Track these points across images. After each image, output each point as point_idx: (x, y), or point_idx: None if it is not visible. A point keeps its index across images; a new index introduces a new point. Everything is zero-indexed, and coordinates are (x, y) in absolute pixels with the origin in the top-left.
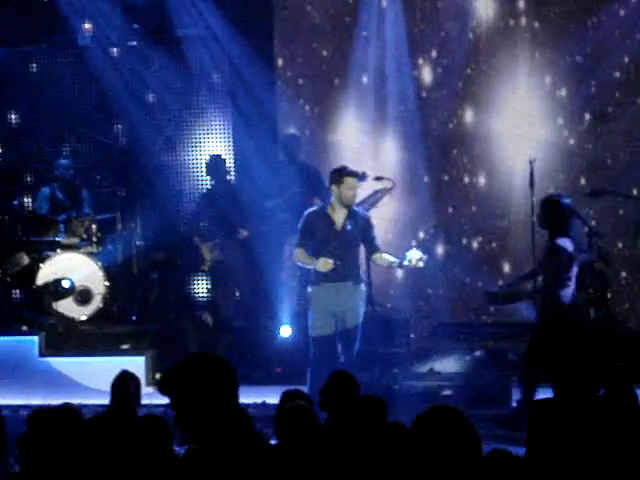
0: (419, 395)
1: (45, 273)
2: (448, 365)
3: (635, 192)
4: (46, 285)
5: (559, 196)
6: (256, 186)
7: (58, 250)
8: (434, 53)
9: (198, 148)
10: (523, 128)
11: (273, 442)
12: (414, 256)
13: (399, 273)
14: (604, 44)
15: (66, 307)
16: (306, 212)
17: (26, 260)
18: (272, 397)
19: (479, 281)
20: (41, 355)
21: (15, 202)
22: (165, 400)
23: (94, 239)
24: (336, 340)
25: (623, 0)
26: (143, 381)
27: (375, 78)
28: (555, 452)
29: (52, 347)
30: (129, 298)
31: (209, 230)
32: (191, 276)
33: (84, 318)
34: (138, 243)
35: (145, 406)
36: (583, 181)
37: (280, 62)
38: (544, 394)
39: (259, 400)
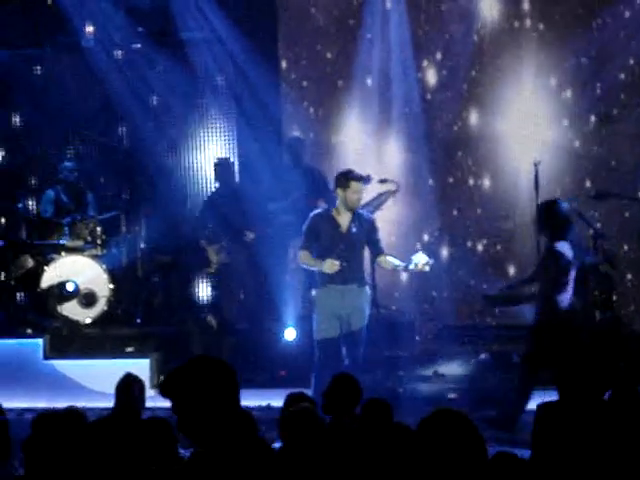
0: (424, 398)
1: (49, 276)
2: (453, 368)
3: None
4: (50, 288)
5: (557, 201)
6: (260, 189)
7: (62, 253)
8: (439, 55)
9: (202, 150)
10: (528, 130)
11: (277, 445)
12: (420, 260)
13: (404, 276)
14: (609, 46)
15: (70, 310)
16: (311, 214)
17: (30, 263)
18: (276, 400)
19: (484, 284)
20: (45, 358)
21: (19, 205)
22: (169, 403)
23: (98, 242)
24: (341, 343)
25: (628, 2)
26: (147, 384)
27: (379, 80)
28: (561, 455)
29: (56, 350)
30: (133, 301)
31: (215, 233)
32: (195, 279)
33: (89, 321)
34: (142, 246)
35: (149, 409)
36: (588, 183)
37: (284, 64)
38: (545, 397)
39: (264, 403)
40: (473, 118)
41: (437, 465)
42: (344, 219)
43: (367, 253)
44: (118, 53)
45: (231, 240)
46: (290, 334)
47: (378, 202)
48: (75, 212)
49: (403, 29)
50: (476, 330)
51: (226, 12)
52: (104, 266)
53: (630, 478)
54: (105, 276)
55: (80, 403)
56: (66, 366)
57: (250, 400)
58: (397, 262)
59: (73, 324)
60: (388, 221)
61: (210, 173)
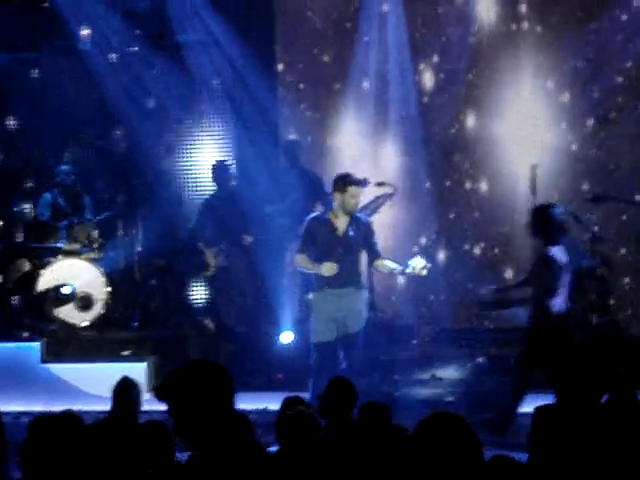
0: (421, 401)
1: (46, 279)
2: (450, 371)
3: (638, 198)
4: (47, 291)
5: (551, 205)
6: (257, 191)
7: (59, 256)
8: (436, 58)
9: (199, 153)
10: (526, 132)
11: (274, 448)
12: (418, 264)
13: (401, 279)
14: (606, 49)
15: (67, 313)
16: (308, 218)
17: (27, 266)
18: (273, 403)
19: (481, 287)
20: (42, 361)
21: (16, 208)
22: (165, 406)
23: (95, 245)
24: (338, 346)
25: (625, 5)
26: (144, 387)
27: (376, 83)
28: (558, 458)
29: (53, 353)
30: (130, 304)
31: (213, 236)
32: (193, 282)
33: (85, 324)
34: (139, 249)
35: (146, 412)
36: (586, 186)
37: (281, 67)
38: (539, 401)
39: (261, 406)
40: (470, 121)
41: (434, 468)
42: (341, 222)
43: (364, 256)
44: (115, 56)
45: (229, 243)
46: (287, 337)
47: (375, 205)
48: (72, 215)
49: (400, 32)
50: (473, 333)
51: (223, 15)
52: (101, 269)
53: None
54: (102, 279)
55: (77, 407)
56: (63, 369)
57: (247, 403)
58: (394, 266)
59: (70, 327)
60: (385, 224)
61: (207, 176)
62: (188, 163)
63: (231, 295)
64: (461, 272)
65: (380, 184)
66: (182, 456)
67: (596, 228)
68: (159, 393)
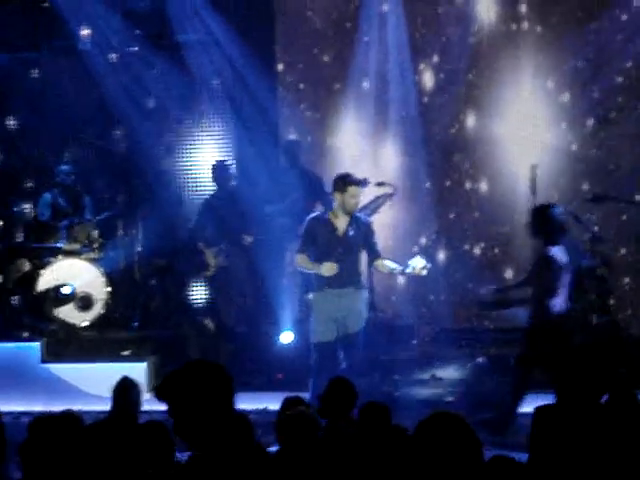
0: (421, 401)
1: (46, 279)
2: (450, 371)
3: (638, 198)
4: (47, 291)
5: (550, 205)
6: (257, 191)
7: (59, 256)
8: (436, 58)
9: (199, 153)
10: (526, 132)
11: (275, 448)
12: (418, 264)
13: (401, 279)
14: (606, 49)
15: (67, 313)
16: (308, 217)
17: (27, 266)
18: (273, 403)
19: (481, 287)
20: (42, 361)
21: (16, 208)
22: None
23: (95, 245)
24: (338, 346)
25: (625, 5)
26: (144, 387)
27: (376, 83)
28: (558, 458)
29: (53, 353)
30: (130, 304)
31: (213, 236)
32: (193, 282)
33: (85, 324)
34: (139, 249)
35: (146, 412)
36: (586, 186)
37: (281, 67)
38: (539, 401)
39: (261, 406)
40: (470, 121)
41: (434, 468)
42: (341, 222)
43: (364, 256)
44: (115, 56)
45: (229, 243)
46: (287, 337)
47: (375, 205)
48: (72, 215)
49: (400, 32)
50: (473, 333)
51: (223, 15)
52: (101, 269)
53: None
54: (102, 279)
55: (77, 407)
56: (63, 369)
57: (247, 403)
58: (394, 266)
59: (70, 327)
60: (385, 224)
61: (207, 176)
62: (188, 163)
63: (231, 295)
64: (461, 272)
65: (380, 184)
66: (182, 456)
67: (596, 228)
68: (159, 393)
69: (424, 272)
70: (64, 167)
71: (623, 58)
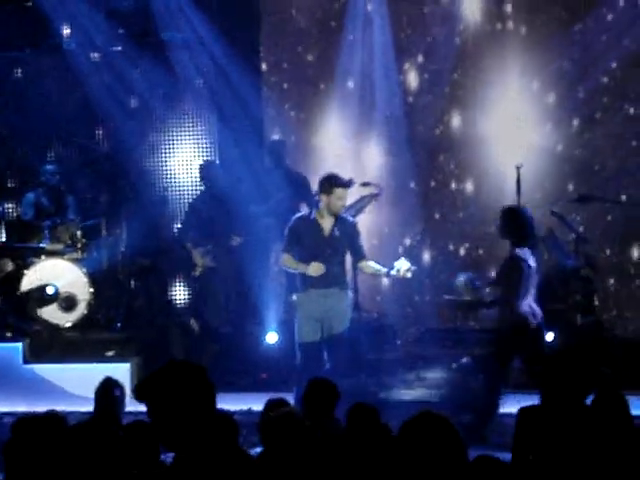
0: (405, 402)
1: (29, 279)
2: (435, 372)
3: (623, 198)
4: (30, 291)
5: (519, 207)
6: (242, 191)
7: (43, 256)
8: (421, 58)
9: (183, 153)
10: (511, 133)
11: (258, 449)
12: (402, 266)
13: (385, 280)
14: (592, 49)
15: (50, 314)
16: (293, 217)
17: (10, 266)
18: (258, 404)
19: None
20: (25, 362)
21: None
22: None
23: (79, 245)
24: (322, 346)
25: (611, 5)
26: (128, 388)
27: (361, 83)
28: (542, 458)
29: (36, 354)
30: (114, 304)
31: (199, 236)
32: (177, 282)
33: (69, 325)
34: (123, 249)
35: (130, 413)
36: (571, 187)
37: (265, 67)
38: (525, 401)
39: (245, 407)
40: (455, 121)
41: (419, 469)
42: (327, 223)
43: (349, 257)
44: (99, 55)
45: (216, 244)
46: (272, 338)
47: (360, 205)
48: (55, 215)
49: (385, 32)
50: (458, 333)
51: (207, 14)
52: (84, 269)
53: None
54: (85, 280)
55: (60, 407)
56: (46, 370)
57: (231, 404)
58: (379, 267)
59: (53, 328)
60: (369, 225)
61: (191, 176)
62: (172, 163)
63: (217, 296)
64: (446, 272)
65: (365, 184)
66: (167, 457)
67: (581, 229)
68: (138, 394)
69: (409, 274)
70: (49, 167)
71: (608, 58)
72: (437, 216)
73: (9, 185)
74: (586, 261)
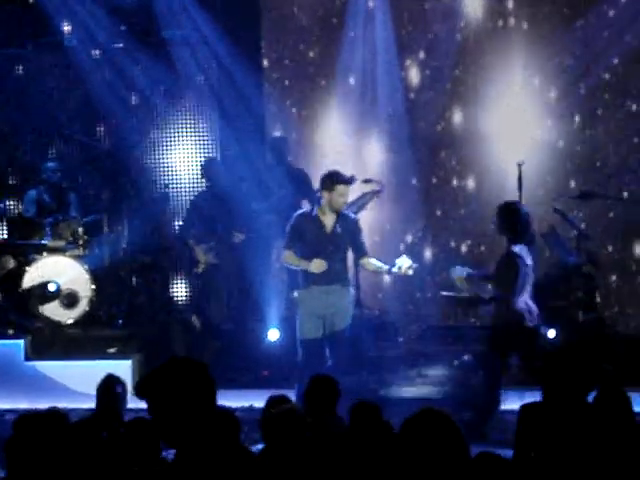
0: (407, 399)
1: (31, 276)
2: (436, 369)
3: (625, 195)
4: (32, 288)
5: (517, 203)
6: (243, 188)
7: (44, 253)
8: (422, 54)
9: (184, 150)
10: (513, 129)
11: (260, 446)
12: (404, 264)
13: (387, 277)
14: (593, 45)
15: (52, 311)
16: (295, 214)
17: (12, 263)
18: (259, 401)
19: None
20: (27, 359)
21: (0, 205)
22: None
23: (80, 242)
24: (324, 343)
25: (612, 1)
26: (130, 385)
27: (363, 80)
28: (543, 455)
29: (38, 351)
30: (116, 301)
31: (202, 233)
32: (178, 279)
33: (70, 322)
34: (125, 246)
35: (132, 410)
36: (573, 183)
37: (267, 63)
38: (527, 398)
39: (246, 404)
40: (457, 118)
41: (421, 466)
42: (329, 220)
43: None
44: (101, 52)
45: (218, 241)
46: (273, 335)
47: (362, 202)
48: (57, 212)
49: (386, 28)
50: (460, 330)
51: (209, 11)
52: (86, 266)
53: (613, 479)
54: (87, 276)
55: (62, 404)
56: (48, 367)
57: (233, 401)
58: (380, 264)
59: (55, 325)
60: (371, 221)
61: (192, 172)
62: (173, 160)
63: (219, 293)
64: (447, 269)
65: (367, 181)
66: (168, 453)
67: (583, 225)
68: (138, 390)
69: (410, 272)
70: (50, 164)
71: (610, 55)
72: (439, 213)
73: (11, 182)
74: (588, 258)
